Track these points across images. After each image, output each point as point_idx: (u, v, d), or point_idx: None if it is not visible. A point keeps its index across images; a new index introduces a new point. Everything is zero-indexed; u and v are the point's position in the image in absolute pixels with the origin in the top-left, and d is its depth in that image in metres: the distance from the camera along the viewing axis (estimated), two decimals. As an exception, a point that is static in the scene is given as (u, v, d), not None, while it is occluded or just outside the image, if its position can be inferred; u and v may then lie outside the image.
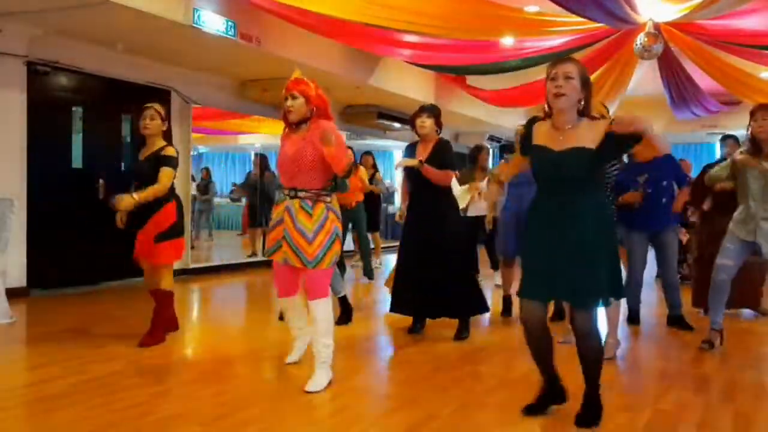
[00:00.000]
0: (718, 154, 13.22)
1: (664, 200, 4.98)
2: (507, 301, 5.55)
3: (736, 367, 4.14)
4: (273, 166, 10.79)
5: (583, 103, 2.74)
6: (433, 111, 4.65)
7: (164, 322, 4.41)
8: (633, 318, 5.27)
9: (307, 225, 3.41)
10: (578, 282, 2.73)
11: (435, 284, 4.52)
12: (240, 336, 4.96)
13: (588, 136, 2.71)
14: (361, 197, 7.46)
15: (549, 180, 2.78)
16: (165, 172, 4.23)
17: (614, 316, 4.28)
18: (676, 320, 5.19)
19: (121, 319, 5.15)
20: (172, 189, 4.35)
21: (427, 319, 4.85)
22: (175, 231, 4.34)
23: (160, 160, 4.25)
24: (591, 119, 2.80)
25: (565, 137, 2.72)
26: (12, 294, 5.34)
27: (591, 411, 2.87)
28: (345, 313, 5.09)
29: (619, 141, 2.65)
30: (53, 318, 5.30)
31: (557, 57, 7.77)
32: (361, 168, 7.81)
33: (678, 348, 4.67)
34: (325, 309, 3.51)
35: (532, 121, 2.92)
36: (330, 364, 3.51)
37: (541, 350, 2.93)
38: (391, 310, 4.83)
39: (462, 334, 4.65)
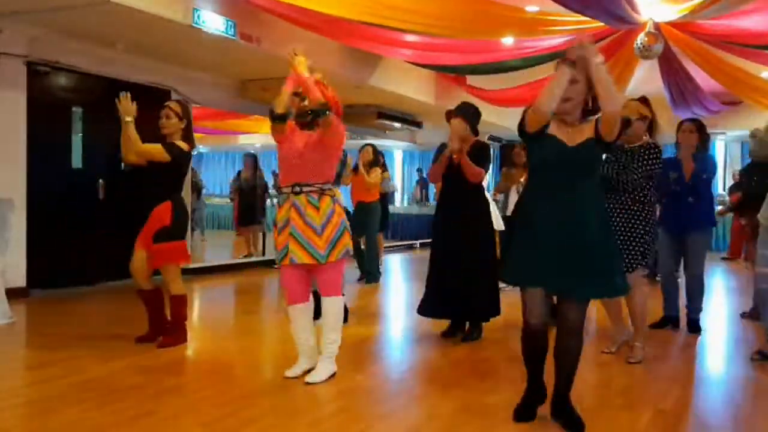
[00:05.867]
0: (718, 155, 13.29)
1: (690, 199, 4.78)
2: None
3: (736, 367, 4.13)
4: (265, 165, 10.73)
5: (590, 103, 2.83)
6: (464, 111, 4.54)
7: (183, 320, 4.31)
8: (673, 322, 5.04)
9: (316, 218, 3.47)
10: (588, 274, 2.78)
11: (458, 288, 4.44)
12: (240, 336, 4.96)
13: (589, 132, 2.84)
14: (369, 197, 7.28)
15: (557, 171, 2.82)
16: (156, 147, 4.11)
17: (642, 317, 4.14)
18: (694, 325, 4.97)
19: (121, 319, 5.15)
20: (171, 188, 4.21)
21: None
22: (167, 233, 4.12)
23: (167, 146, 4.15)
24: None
25: (574, 132, 2.83)
26: (12, 294, 5.33)
27: (575, 415, 2.87)
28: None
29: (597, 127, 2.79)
30: (53, 318, 5.31)
31: (558, 56, 7.81)
32: (362, 169, 7.34)
33: (678, 348, 4.67)
34: (336, 305, 3.61)
35: None
36: (334, 359, 3.59)
37: (541, 350, 2.94)
38: (419, 312, 4.70)
39: (473, 335, 4.61)
